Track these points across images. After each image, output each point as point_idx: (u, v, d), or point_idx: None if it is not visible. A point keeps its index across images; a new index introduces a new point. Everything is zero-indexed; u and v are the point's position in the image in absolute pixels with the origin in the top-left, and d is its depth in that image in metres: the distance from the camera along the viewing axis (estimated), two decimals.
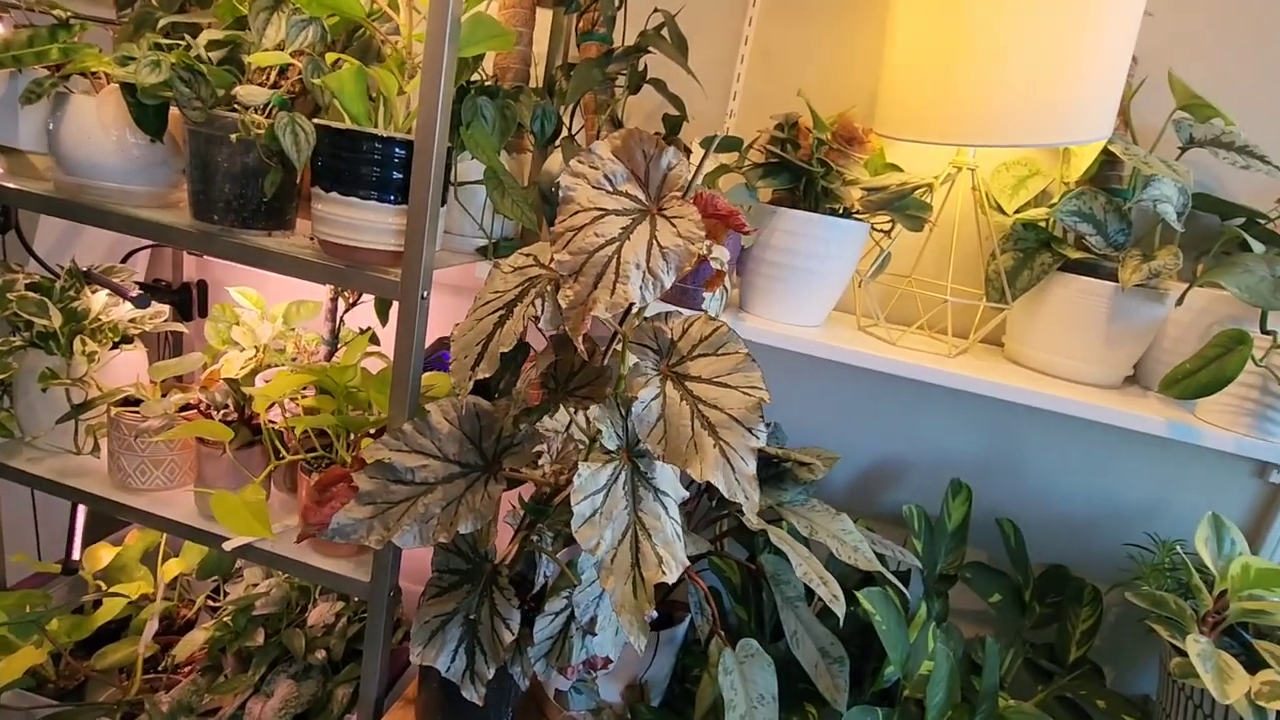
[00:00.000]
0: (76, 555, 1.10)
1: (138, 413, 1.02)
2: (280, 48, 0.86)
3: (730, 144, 0.98)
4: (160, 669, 1.15)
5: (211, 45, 0.88)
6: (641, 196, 0.56)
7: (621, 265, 0.52)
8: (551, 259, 0.53)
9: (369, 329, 1.15)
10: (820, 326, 1.00)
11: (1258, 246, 0.85)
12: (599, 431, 0.59)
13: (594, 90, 1.07)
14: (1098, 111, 0.80)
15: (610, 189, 0.56)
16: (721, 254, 0.61)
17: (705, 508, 1.02)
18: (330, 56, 0.84)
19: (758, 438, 0.55)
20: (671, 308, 0.67)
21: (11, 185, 0.93)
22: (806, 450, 0.97)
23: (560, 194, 0.54)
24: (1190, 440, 0.81)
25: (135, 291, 1.13)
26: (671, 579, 0.56)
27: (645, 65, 1.09)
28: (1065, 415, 0.86)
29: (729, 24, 1.14)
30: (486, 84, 1.01)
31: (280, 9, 0.88)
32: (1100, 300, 0.88)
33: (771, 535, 0.76)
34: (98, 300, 1.10)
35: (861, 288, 1.02)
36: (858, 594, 0.82)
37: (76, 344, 1.03)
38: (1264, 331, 0.79)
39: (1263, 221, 0.95)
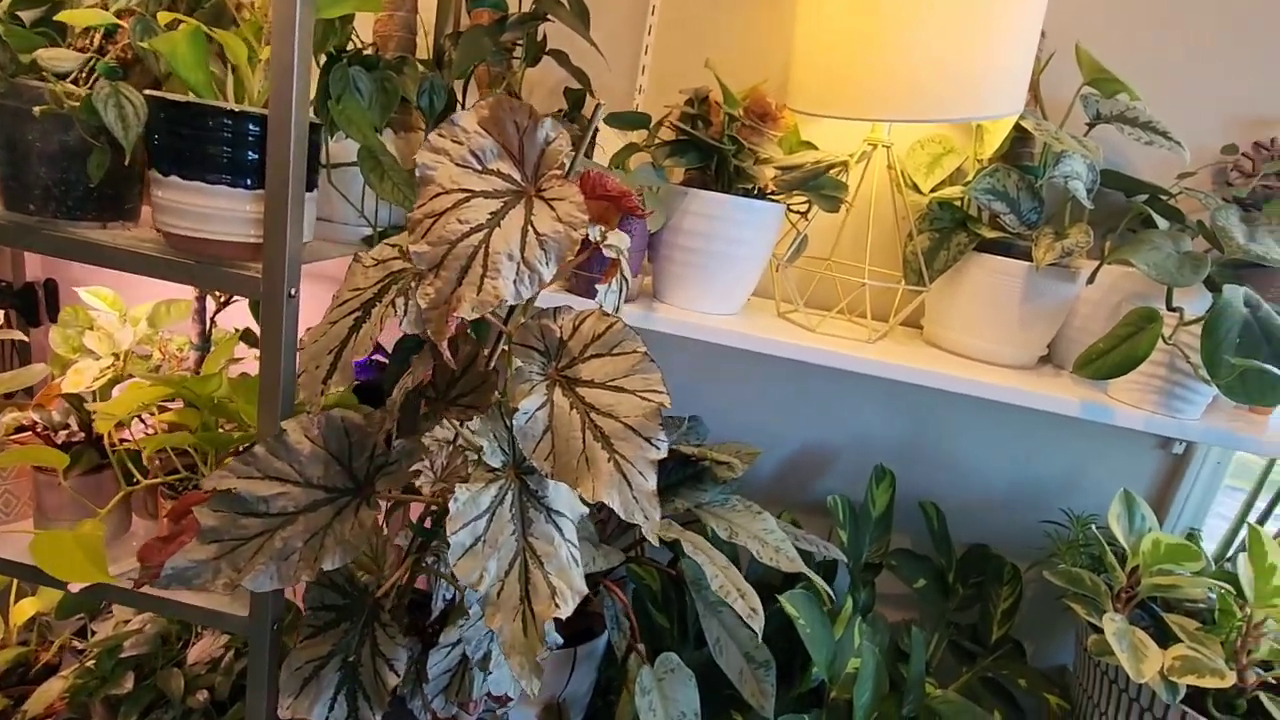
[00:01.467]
0: None
1: None
2: (106, 6, 0.74)
3: (636, 120, 0.91)
4: None
5: (23, 3, 0.74)
6: (516, 175, 0.49)
7: (491, 257, 0.44)
8: (408, 249, 0.45)
9: (242, 329, 1.03)
10: (738, 314, 0.95)
11: (1163, 223, 0.85)
12: (480, 447, 0.51)
13: (487, 62, 0.97)
14: (1009, 86, 0.77)
15: (479, 167, 0.48)
16: (620, 240, 0.54)
17: None
18: (164, 16, 0.72)
19: (657, 448, 0.48)
20: (566, 300, 0.60)
21: None
22: (724, 446, 0.92)
23: (418, 173, 0.46)
24: (1103, 420, 0.80)
25: None
26: (566, 612, 0.49)
27: (544, 35, 1.01)
28: (984, 398, 0.85)
29: None
30: (364, 53, 0.91)
31: None
32: (1015, 280, 0.87)
33: (686, 546, 0.71)
34: None
35: (779, 272, 0.97)
36: (780, 598, 0.78)
37: None
38: (1170, 309, 0.78)
39: (1166, 198, 0.95)
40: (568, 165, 0.49)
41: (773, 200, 0.90)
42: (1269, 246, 0.80)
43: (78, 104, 0.68)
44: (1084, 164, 0.87)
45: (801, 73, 0.86)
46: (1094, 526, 0.98)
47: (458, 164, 0.47)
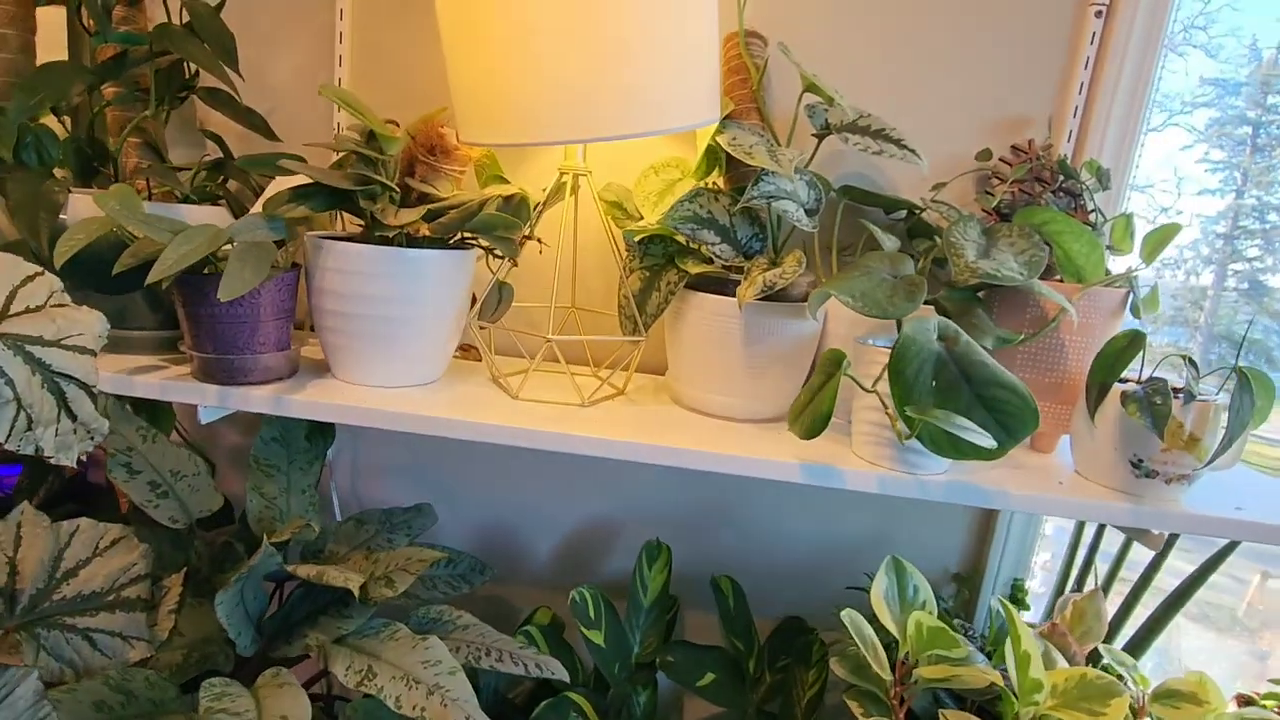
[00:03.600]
0: None
1: None
2: None
3: (272, 162, 0.76)
4: None
5: None
6: None
7: None
8: None
9: None
10: (434, 384, 0.79)
11: (888, 242, 0.73)
12: None
13: (111, 105, 0.81)
14: (668, 97, 0.65)
15: None
16: None
17: None
18: None
19: None
20: None
21: None
22: (398, 553, 0.75)
23: None
24: (832, 484, 0.66)
25: None
26: None
27: (197, 71, 0.85)
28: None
29: (317, 16, 0.92)
30: None
31: None
32: (732, 321, 0.73)
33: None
34: None
35: (479, 330, 0.82)
36: None
37: None
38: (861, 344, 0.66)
39: (918, 212, 0.84)
40: None
41: (456, 248, 0.75)
42: (1001, 262, 0.68)
43: None
44: (800, 181, 0.75)
45: (457, 98, 0.73)
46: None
47: None
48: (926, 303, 0.71)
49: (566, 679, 0.72)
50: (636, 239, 0.79)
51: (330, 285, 0.71)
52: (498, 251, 0.81)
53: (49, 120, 0.81)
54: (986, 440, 0.53)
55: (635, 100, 0.62)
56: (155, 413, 0.84)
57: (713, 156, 0.81)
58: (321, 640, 0.63)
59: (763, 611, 1.03)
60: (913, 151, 0.76)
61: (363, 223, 0.74)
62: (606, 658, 0.84)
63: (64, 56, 0.87)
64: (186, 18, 0.79)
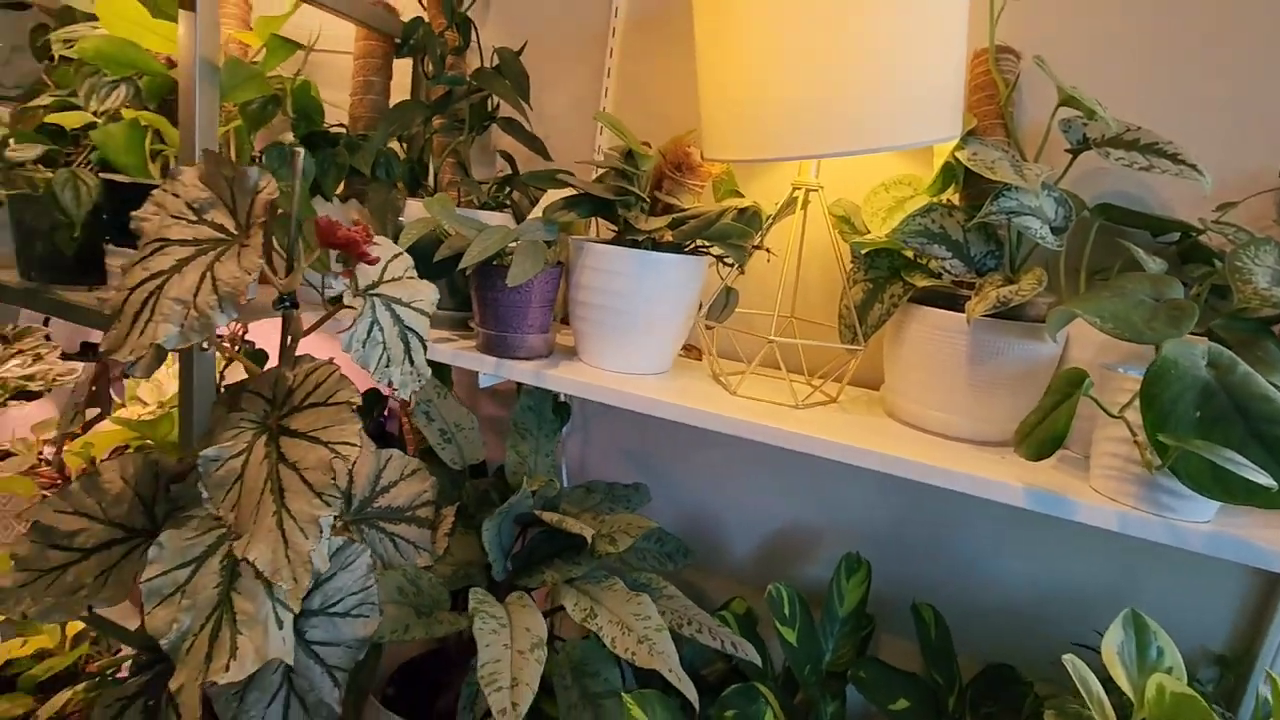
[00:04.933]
0: None
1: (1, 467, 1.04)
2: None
3: (548, 178, 0.90)
4: None
5: (46, 110, 0.92)
6: (230, 224, 0.50)
7: (160, 303, 0.45)
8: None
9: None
10: (664, 374, 0.88)
11: (1152, 265, 0.67)
12: (202, 497, 0.51)
13: (438, 133, 1.03)
14: (908, 111, 0.67)
15: (194, 218, 0.49)
16: (354, 304, 0.53)
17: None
18: (129, 114, 0.84)
19: (328, 504, 0.45)
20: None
21: None
22: (617, 519, 0.84)
23: (132, 225, 0.49)
24: (1059, 513, 0.62)
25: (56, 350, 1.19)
26: (235, 675, 0.46)
27: (497, 105, 1.05)
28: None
29: (593, 57, 1.08)
30: (330, 131, 1.00)
31: (101, 73, 0.90)
32: (957, 337, 0.72)
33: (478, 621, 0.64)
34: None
35: (706, 329, 0.89)
36: (625, 696, 0.67)
37: None
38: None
39: (1195, 235, 0.76)
40: (290, 212, 0.49)
41: (694, 253, 0.84)
42: None
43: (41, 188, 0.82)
44: (1048, 198, 0.72)
45: (706, 118, 0.81)
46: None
47: (172, 215, 0.49)
48: (1195, 333, 0.64)
49: (758, 662, 0.75)
50: (863, 251, 0.81)
51: (586, 280, 0.83)
52: (728, 259, 0.89)
53: (393, 144, 1.06)
54: (1264, 478, 0.48)
55: (873, 116, 0.66)
56: (441, 376, 1.04)
57: (949, 173, 0.81)
58: (555, 579, 0.74)
59: (963, 649, 0.98)
60: (1192, 167, 0.69)
61: (615, 228, 0.85)
62: (798, 657, 0.86)
63: (408, 96, 1.12)
64: (496, 62, 0.98)
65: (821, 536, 1.05)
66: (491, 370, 0.85)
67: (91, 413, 1.19)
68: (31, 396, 1.19)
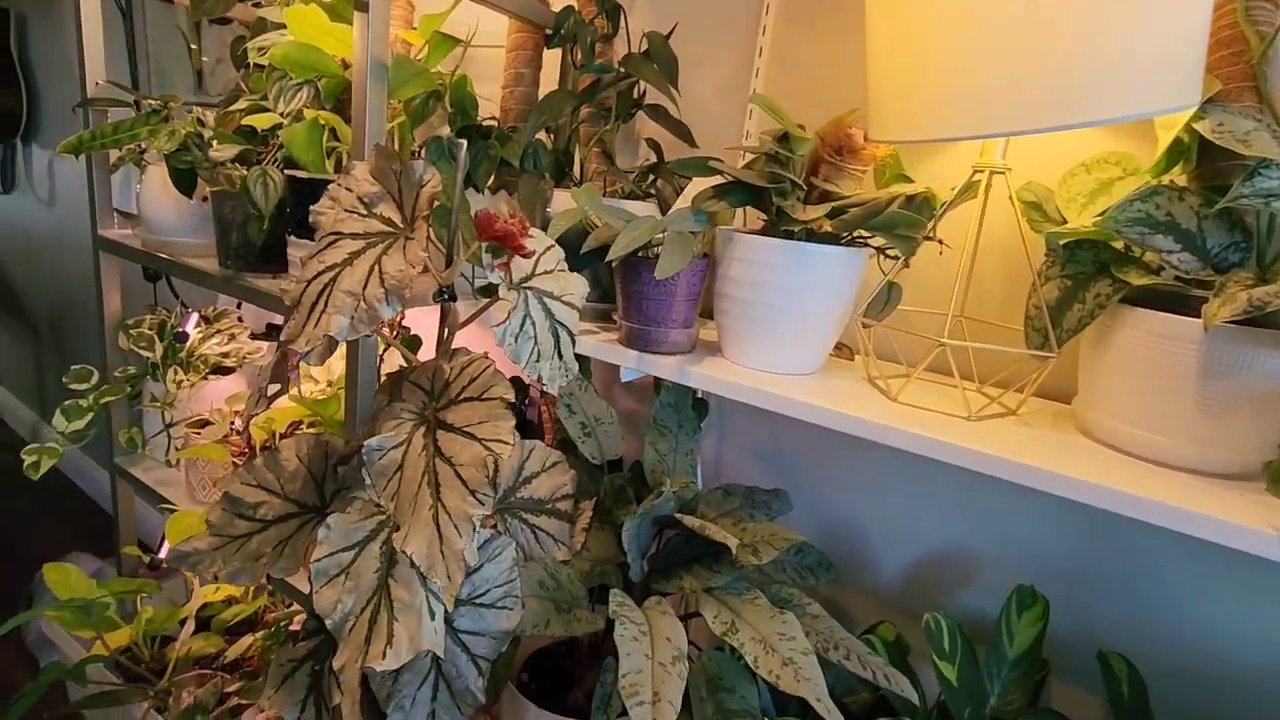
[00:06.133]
0: (163, 554, 1.28)
1: (200, 435, 1.17)
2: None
3: (698, 165, 0.86)
4: (215, 666, 1.28)
5: (242, 113, 1.01)
6: (398, 218, 0.50)
7: (333, 295, 0.46)
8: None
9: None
10: (812, 374, 0.82)
11: None
12: (365, 482, 0.53)
13: (584, 122, 1.02)
14: (1130, 78, 0.56)
15: (364, 212, 0.50)
16: (508, 296, 0.52)
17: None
18: (309, 113, 0.91)
19: (481, 502, 0.44)
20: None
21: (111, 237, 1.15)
22: (762, 528, 0.79)
23: (309, 220, 0.51)
24: None
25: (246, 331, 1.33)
26: (390, 664, 0.47)
27: (644, 91, 1.03)
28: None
29: (743, 38, 1.03)
30: (483, 125, 1.03)
31: (288, 77, 0.97)
32: (1188, 347, 0.60)
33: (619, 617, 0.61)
34: (198, 336, 1.30)
35: (862, 328, 0.82)
36: None
37: (170, 374, 1.23)
38: None
39: None
40: (452, 205, 0.49)
41: (850, 245, 0.77)
42: None
43: (237, 183, 0.89)
44: None
45: (876, 95, 0.74)
46: None
47: (346, 209, 0.51)
48: None
49: (915, 700, 0.68)
50: (1061, 242, 0.70)
51: (734, 273, 0.79)
52: (890, 251, 0.81)
53: (539, 135, 1.06)
54: None
55: (1086, 83, 0.55)
56: (580, 369, 1.04)
57: (1178, 149, 0.68)
58: (694, 586, 0.71)
59: (1162, 712, 0.84)
60: None
61: (766, 218, 0.80)
62: (957, 698, 0.78)
63: (556, 86, 1.13)
64: (645, 47, 0.96)
65: (982, 563, 0.94)
66: (633, 364, 0.83)
67: (273, 388, 1.31)
68: (226, 372, 1.34)
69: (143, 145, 1.07)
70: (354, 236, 0.49)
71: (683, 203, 0.93)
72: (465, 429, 0.48)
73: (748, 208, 0.80)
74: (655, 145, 0.97)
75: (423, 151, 0.93)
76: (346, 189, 0.51)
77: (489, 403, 0.48)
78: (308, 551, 0.63)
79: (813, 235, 0.78)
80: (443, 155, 0.93)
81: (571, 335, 0.60)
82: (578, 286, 0.63)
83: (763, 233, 0.79)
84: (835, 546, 1.06)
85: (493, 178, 1.02)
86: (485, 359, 0.51)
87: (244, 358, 1.35)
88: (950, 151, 0.88)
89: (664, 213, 0.94)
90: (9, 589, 2.15)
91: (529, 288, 0.55)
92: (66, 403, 1.19)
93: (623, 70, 0.96)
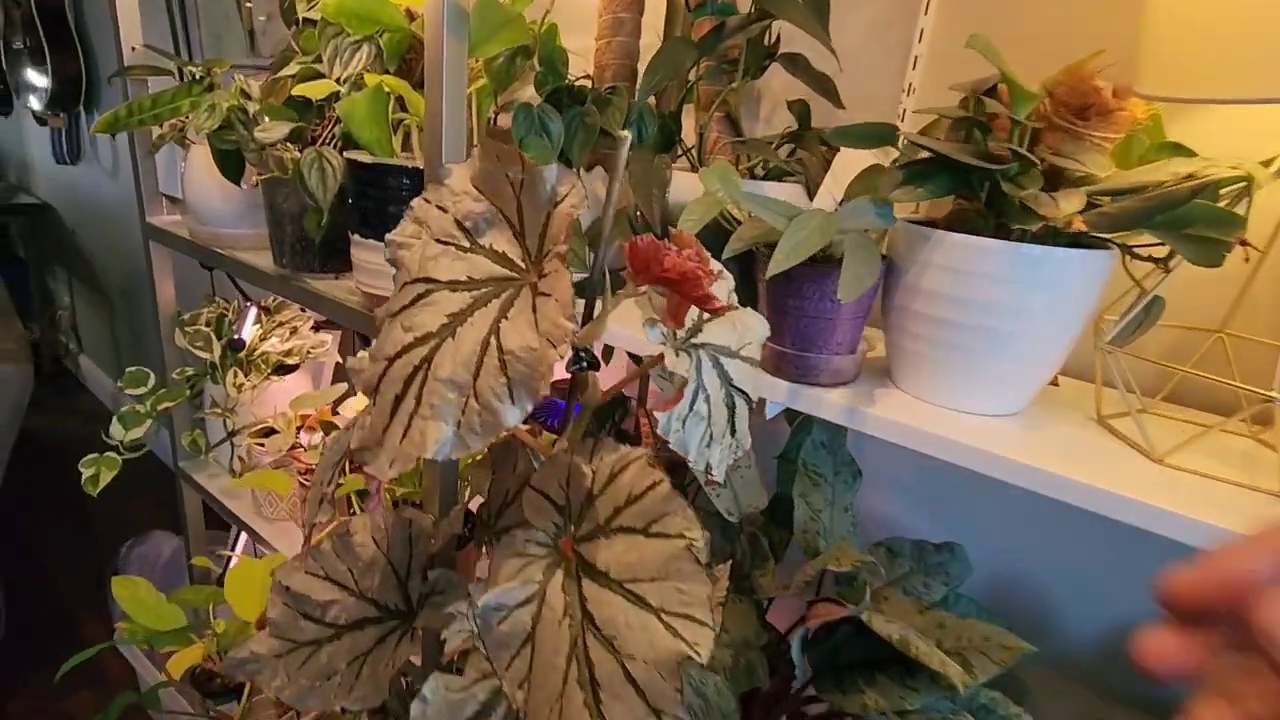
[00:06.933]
0: (234, 562, 1.19)
1: (264, 447, 1.06)
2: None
3: (873, 134, 0.65)
4: None
5: (293, 80, 0.85)
6: (515, 254, 0.33)
7: (429, 388, 0.30)
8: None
9: None
10: (1016, 414, 0.62)
11: None
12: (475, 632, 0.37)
13: (703, 79, 0.82)
14: None
15: (465, 243, 0.33)
16: (680, 363, 0.34)
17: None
18: (371, 78, 0.73)
19: None
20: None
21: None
22: (968, 625, 0.60)
23: (386, 255, 0.34)
24: None
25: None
26: None
27: (777, 37, 0.81)
28: None
29: None
30: (575, 86, 0.84)
31: (344, 34, 0.80)
32: None
33: None
34: (257, 334, 1.18)
35: (1104, 354, 0.61)
36: None
37: (229, 376, 1.11)
38: None
39: None
40: (602, 231, 0.31)
41: (1092, 247, 0.56)
42: None
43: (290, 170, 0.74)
44: None
45: (1165, 34, 0.51)
46: None
47: (439, 239, 0.33)
48: None
49: None
50: None
51: (929, 285, 0.59)
52: (1141, 249, 0.59)
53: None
54: None
55: None
56: None
57: None
58: (882, 706, 0.54)
59: None
60: None
61: (977, 207, 0.59)
62: None
63: (656, 37, 0.92)
64: None
65: None
66: (784, 398, 0.64)
67: (333, 389, 1.19)
68: (289, 370, 1.22)
69: (184, 121, 0.92)
70: (454, 287, 0.32)
71: (834, 185, 0.72)
72: (628, 585, 0.31)
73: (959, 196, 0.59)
74: (802, 107, 0.76)
75: (496, 120, 0.75)
76: (439, 207, 0.34)
77: (662, 543, 0.31)
78: (393, 677, 0.48)
79: (1047, 235, 0.57)
80: (533, 129, 0.75)
81: (749, 400, 0.42)
82: (757, 330, 0.45)
83: (968, 230, 0.58)
84: (1009, 605, 0.86)
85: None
86: (646, 462, 0.34)
87: (307, 354, 1.22)
88: (1218, 116, 0.65)
89: (810, 196, 0.73)
90: (96, 560, 2.17)
91: (700, 345, 0.37)
92: (123, 409, 1.09)
93: (755, 10, 0.75)
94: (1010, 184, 0.53)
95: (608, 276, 0.34)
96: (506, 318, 0.30)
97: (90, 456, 1.05)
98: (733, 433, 0.41)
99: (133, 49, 1.00)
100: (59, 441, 2.89)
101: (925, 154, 0.58)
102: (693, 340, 0.36)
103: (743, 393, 0.41)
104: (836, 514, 0.69)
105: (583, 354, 0.35)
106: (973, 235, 0.56)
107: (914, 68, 0.80)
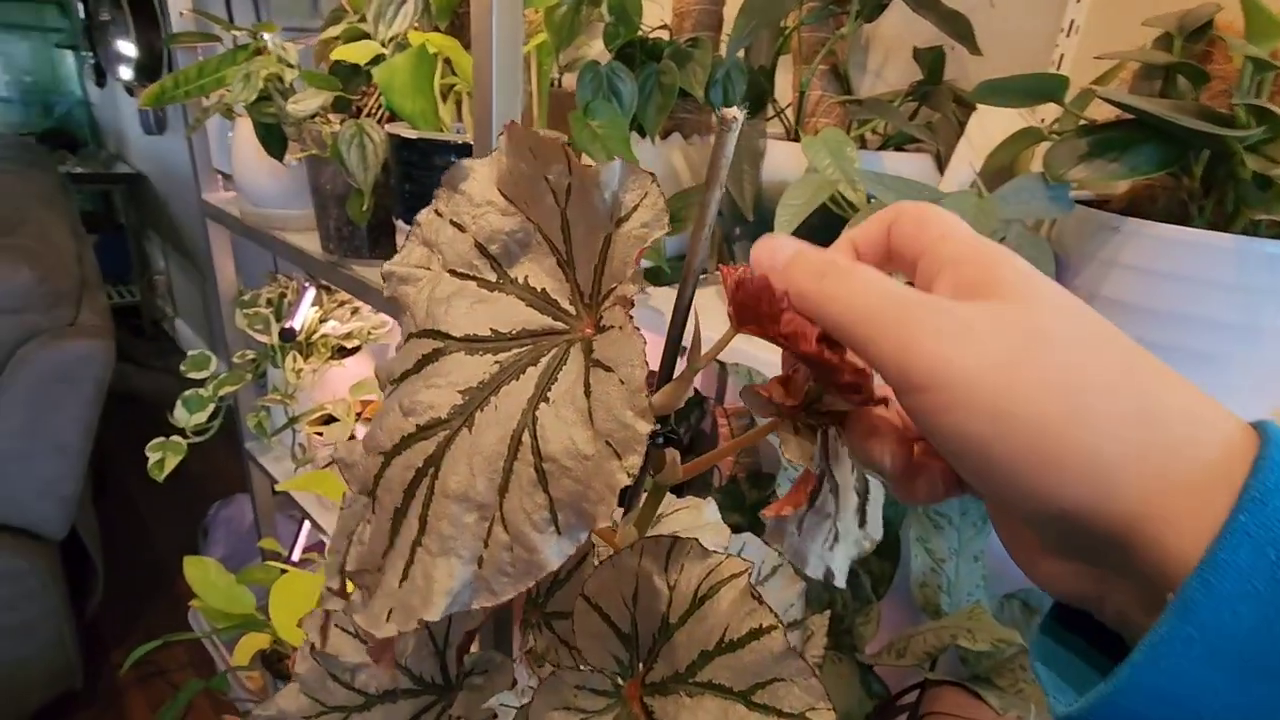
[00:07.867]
0: (295, 556, 1.17)
1: (323, 436, 1.02)
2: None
3: (1036, 88, 0.50)
4: None
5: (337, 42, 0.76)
6: (561, 291, 0.22)
7: (435, 504, 0.20)
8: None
9: None
10: None
11: None
12: None
13: (802, 24, 0.68)
14: None
15: (490, 275, 0.23)
16: (797, 455, 0.23)
17: None
18: (415, 37, 0.64)
19: None
20: None
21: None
22: None
23: (386, 292, 0.24)
24: None
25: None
26: None
27: None
28: None
29: None
30: (649, 40, 0.72)
31: None
32: None
33: None
34: (315, 316, 1.13)
35: None
36: None
37: (288, 361, 1.07)
38: None
39: None
40: (696, 253, 0.21)
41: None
42: None
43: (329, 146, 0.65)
44: None
45: None
46: None
47: (452, 271, 0.23)
48: None
49: None
50: None
51: (1113, 292, 0.44)
52: None
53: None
54: None
55: None
56: None
57: None
58: None
59: None
60: None
61: (1182, 189, 0.44)
62: None
63: None
64: None
65: None
66: None
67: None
68: (350, 352, 1.17)
69: (228, 92, 0.85)
70: (473, 347, 0.22)
71: (971, 153, 0.57)
72: None
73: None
74: (936, 55, 0.61)
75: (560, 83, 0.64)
76: (454, 223, 0.23)
77: (766, 715, 0.21)
78: None
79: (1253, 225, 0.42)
80: (601, 92, 0.64)
81: (884, 487, 0.31)
82: None
83: (1176, 219, 0.43)
84: None
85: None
86: (746, 586, 0.23)
87: (368, 335, 1.17)
88: None
89: (941, 170, 0.59)
90: (191, 515, 2.28)
91: (826, 412, 0.26)
92: (187, 393, 1.07)
93: None
94: (1256, 156, 0.38)
95: (693, 292, 0.23)
96: (547, 399, 0.20)
97: (156, 441, 1.04)
98: (862, 524, 0.30)
99: (180, 14, 0.94)
100: (159, 400, 3.06)
101: (1114, 117, 0.44)
102: (816, 406, 0.25)
103: (874, 477, 0.30)
104: (964, 564, 0.56)
105: (667, 428, 0.25)
106: (1180, 227, 0.42)
107: (1075, 2, 0.63)
